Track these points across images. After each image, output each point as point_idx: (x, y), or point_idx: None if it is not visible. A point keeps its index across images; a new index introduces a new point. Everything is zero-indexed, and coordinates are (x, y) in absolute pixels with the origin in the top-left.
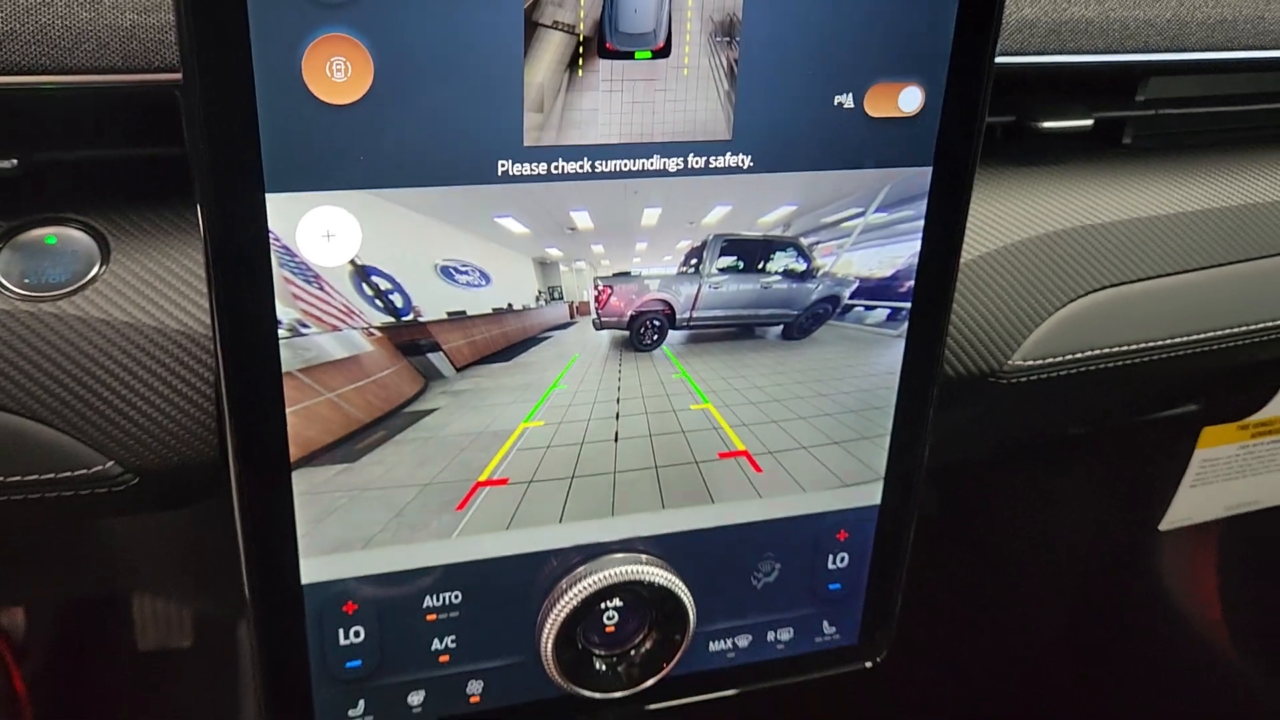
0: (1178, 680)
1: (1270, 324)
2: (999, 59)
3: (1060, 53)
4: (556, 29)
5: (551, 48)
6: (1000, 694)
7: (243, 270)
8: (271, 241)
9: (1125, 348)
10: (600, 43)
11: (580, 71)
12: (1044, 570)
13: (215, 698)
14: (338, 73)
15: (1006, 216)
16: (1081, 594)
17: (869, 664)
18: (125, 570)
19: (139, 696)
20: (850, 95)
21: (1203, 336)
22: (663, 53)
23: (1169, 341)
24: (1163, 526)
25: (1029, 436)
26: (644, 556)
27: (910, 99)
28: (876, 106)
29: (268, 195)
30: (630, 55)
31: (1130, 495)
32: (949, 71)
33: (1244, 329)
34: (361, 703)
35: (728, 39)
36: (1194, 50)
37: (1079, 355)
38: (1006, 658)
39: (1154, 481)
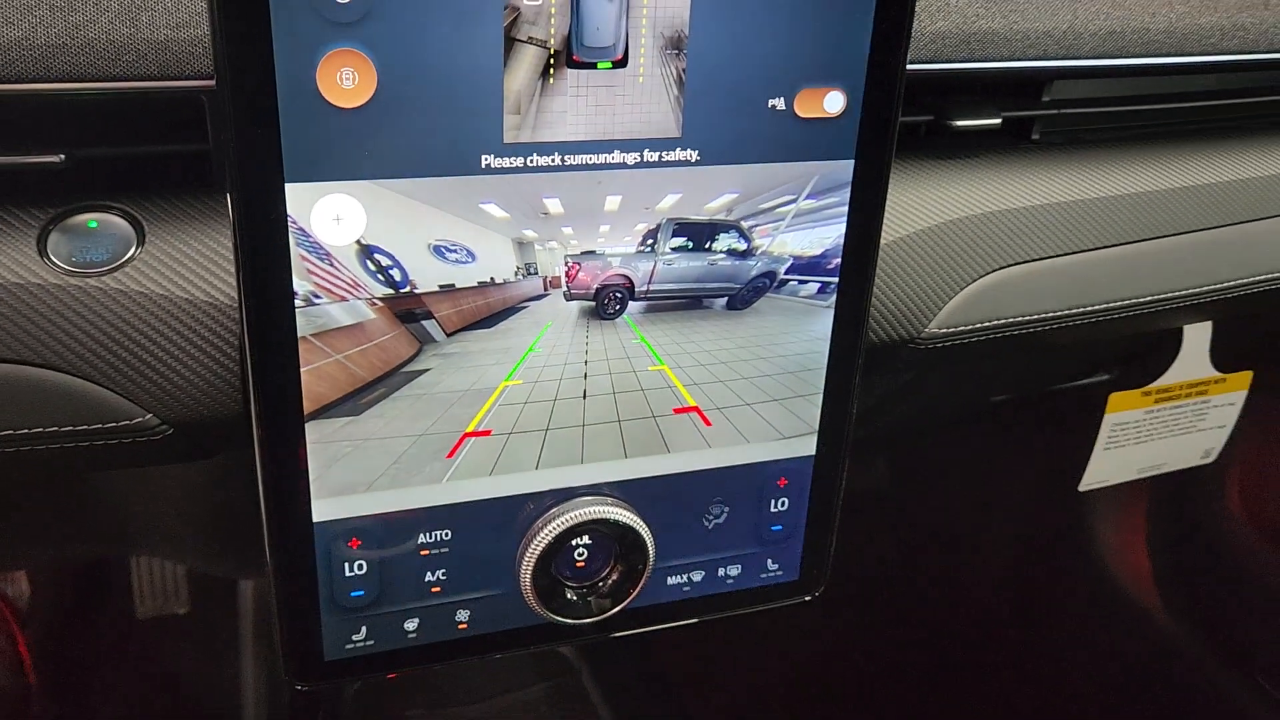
0: (1103, 629)
1: (1156, 297)
2: (916, 66)
3: (970, 60)
4: (531, 44)
5: (527, 60)
6: (938, 634)
7: (265, 248)
8: (290, 224)
9: (1027, 317)
10: (568, 55)
11: (551, 80)
12: (979, 526)
13: (215, 659)
14: (347, 81)
15: (924, 203)
16: (1012, 546)
17: (808, 598)
18: (134, 530)
19: (141, 658)
20: (782, 99)
21: (1096, 308)
22: (621, 64)
23: (1066, 312)
24: (1081, 488)
25: (957, 403)
26: (609, 499)
27: (834, 102)
28: (805, 108)
29: (287, 185)
30: (594, 66)
31: (1054, 458)
32: (866, 78)
33: (1132, 301)
34: (364, 629)
35: (676, 52)
36: (1087, 57)
37: (987, 324)
38: (945, 603)
39: (1075, 446)
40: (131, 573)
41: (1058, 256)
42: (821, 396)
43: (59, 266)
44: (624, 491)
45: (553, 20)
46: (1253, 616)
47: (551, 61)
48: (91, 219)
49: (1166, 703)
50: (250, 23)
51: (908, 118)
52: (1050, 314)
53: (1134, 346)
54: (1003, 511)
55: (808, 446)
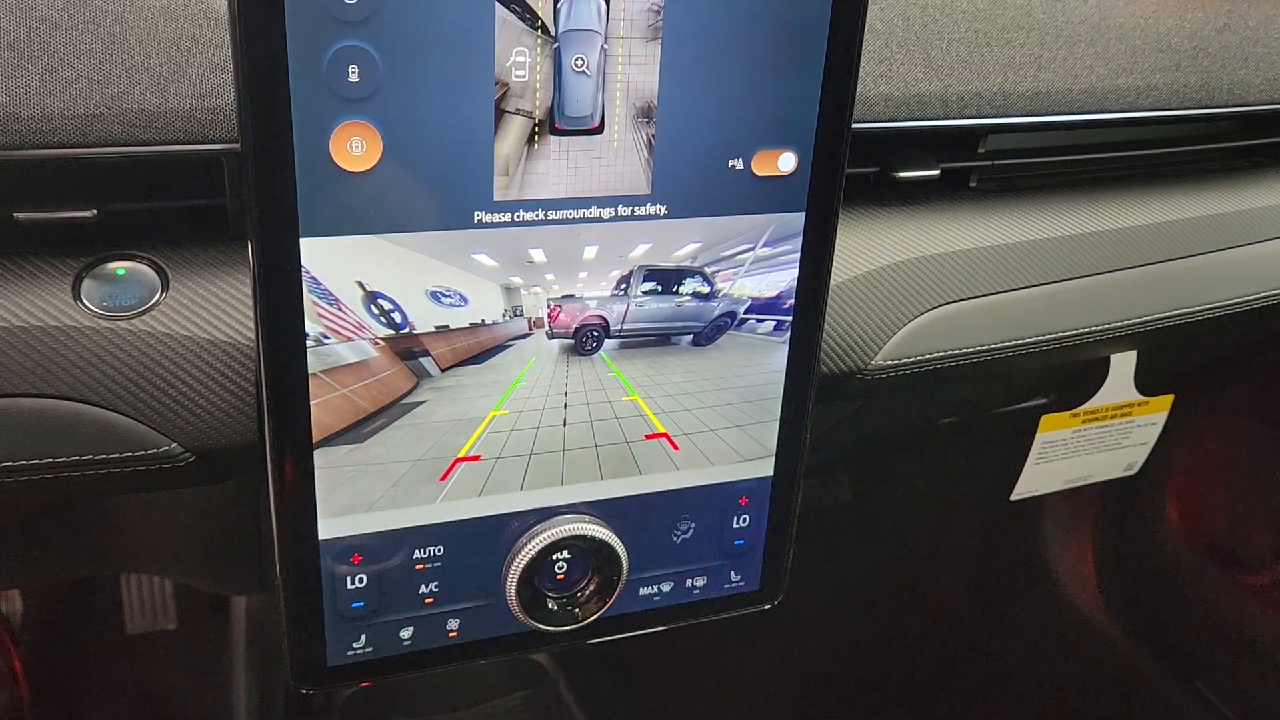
0: (1049, 632)
1: (1083, 330)
2: (861, 125)
3: (910, 120)
4: (518, 114)
5: (514, 128)
6: (892, 640)
7: (281, 296)
8: (303, 273)
9: (965, 350)
10: (551, 124)
11: (536, 145)
12: (930, 536)
13: (207, 673)
14: (356, 149)
15: (871, 247)
16: (957, 547)
17: (768, 606)
18: (130, 549)
19: (133, 674)
20: (741, 159)
21: (1027, 341)
22: (598, 130)
23: (1000, 345)
24: (1013, 497)
25: (905, 426)
26: (587, 517)
27: (787, 161)
28: (761, 167)
29: (301, 239)
30: (574, 133)
31: (991, 472)
32: (815, 141)
33: (1061, 334)
34: (363, 637)
35: (646, 120)
36: (1017, 116)
37: (928, 356)
38: (898, 611)
39: (1009, 461)
40: (124, 589)
41: (993, 294)
42: (778, 423)
43: (91, 310)
44: (600, 510)
45: (537, 94)
46: (1192, 622)
47: (536, 130)
48: (120, 267)
49: (1110, 705)
50: (273, 99)
51: (855, 169)
52: (986, 347)
53: (1067, 374)
54: (950, 522)
55: (766, 468)
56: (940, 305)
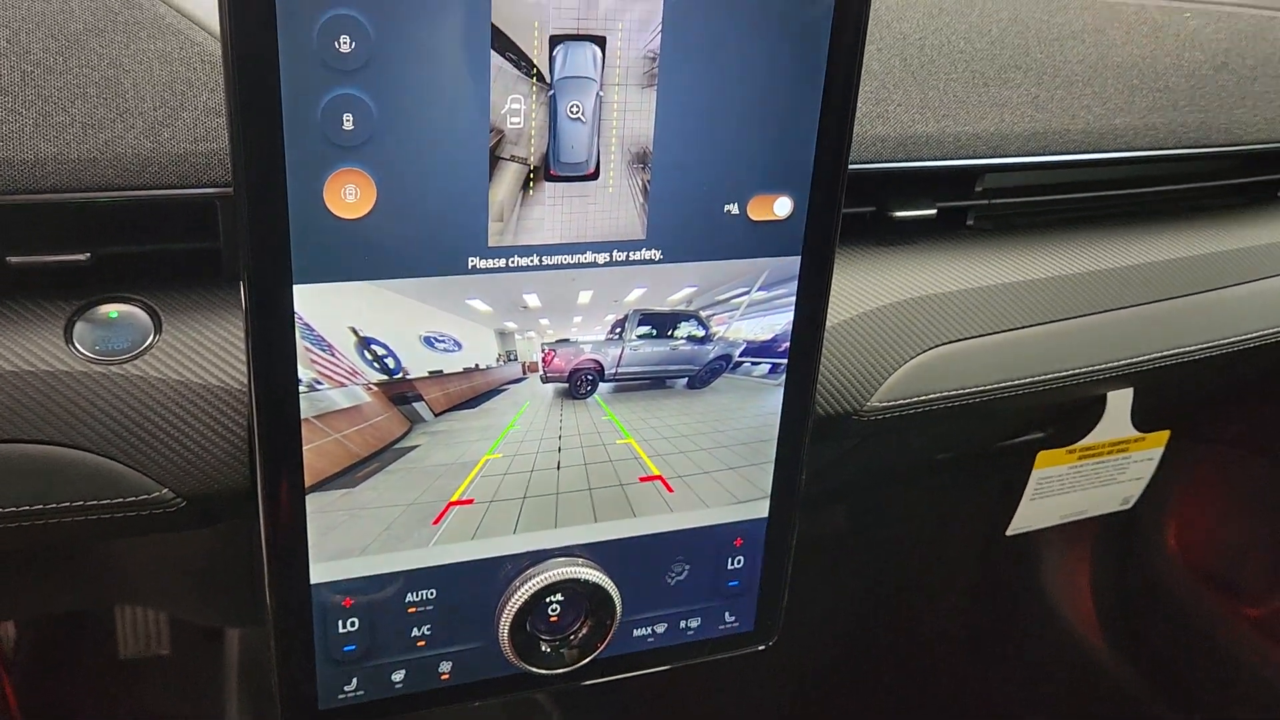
0: (1048, 663)
1: (1079, 370)
2: (858, 166)
3: (907, 160)
4: (513, 161)
5: (509, 174)
6: (891, 673)
7: (274, 342)
8: (296, 319)
9: (960, 391)
10: (545, 170)
11: (531, 191)
12: (927, 570)
13: (201, 703)
14: (350, 196)
15: (867, 287)
16: (953, 577)
17: (763, 647)
18: (124, 582)
19: (126, 701)
20: (736, 204)
21: (1023, 381)
22: (593, 177)
23: (996, 386)
24: (1009, 533)
25: (903, 462)
26: (580, 560)
27: (783, 206)
28: (757, 212)
29: (295, 286)
30: (569, 179)
31: (987, 505)
32: (811, 187)
33: (1057, 375)
34: (354, 680)
35: (642, 166)
36: (1014, 156)
37: (923, 397)
38: (898, 643)
39: (1005, 494)
40: (118, 615)
41: (989, 335)
42: (773, 465)
43: (84, 354)
44: (594, 553)
45: (533, 141)
46: (1192, 654)
47: (531, 176)
48: (113, 310)
49: None
50: (267, 146)
51: (851, 209)
52: (982, 388)
53: (1063, 409)
54: (946, 552)
55: (761, 510)
56: (936, 346)
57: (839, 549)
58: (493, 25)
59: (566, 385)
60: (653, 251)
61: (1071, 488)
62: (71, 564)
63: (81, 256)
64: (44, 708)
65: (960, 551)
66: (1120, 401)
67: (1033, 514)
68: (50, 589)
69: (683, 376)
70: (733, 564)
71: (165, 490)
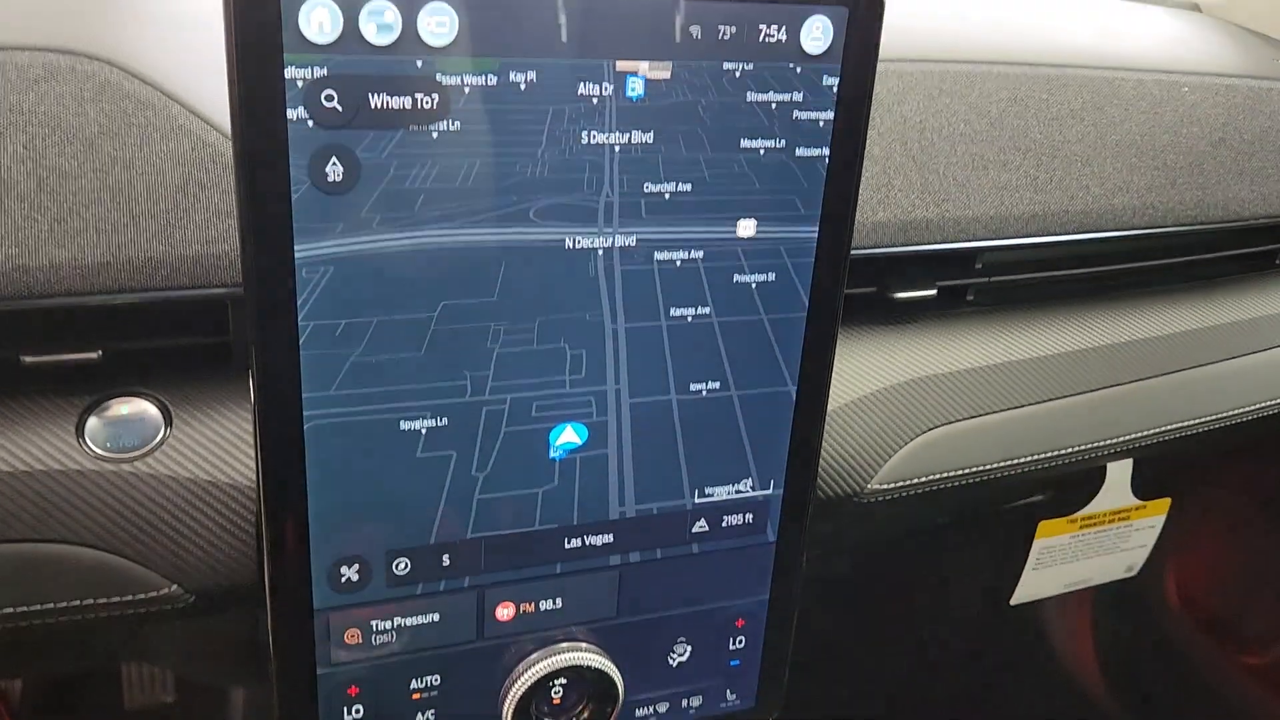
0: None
1: (1080, 447)
2: (860, 251)
3: (907, 244)
4: None
5: None
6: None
7: (283, 451)
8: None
9: (962, 471)
10: None
11: None
12: (927, 622)
13: None
14: None
15: (868, 369)
16: (955, 636)
17: None
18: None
19: None
20: None
21: (1024, 460)
22: None
23: (998, 465)
24: (1013, 602)
25: (903, 530)
26: (583, 645)
27: None
28: None
29: (304, 394)
30: None
31: (989, 567)
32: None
33: (1059, 452)
34: None
35: None
36: (1013, 237)
37: (925, 479)
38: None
39: (1006, 557)
40: (123, 670)
41: (990, 414)
42: (774, 550)
43: (95, 452)
44: (597, 636)
45: None
46: (1195, 704)
47: None
48: (124, 405)
49: None
50: (278, 246)
51: (852, 290)
52: (983, 467)
53: (1062, 476)
54: (949, 614)
55: (763, 591)
56: (937, 426)
57: (838, 618)
58: None
59: None
60: None
61: (1074, 557)
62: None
63: (94, 355)
64: None
65: (961, 607)
66: (1120, 471)
67: (1036, 583)
68: (55, 652)
69: None
70: (734, 644)
71: (175, 587)
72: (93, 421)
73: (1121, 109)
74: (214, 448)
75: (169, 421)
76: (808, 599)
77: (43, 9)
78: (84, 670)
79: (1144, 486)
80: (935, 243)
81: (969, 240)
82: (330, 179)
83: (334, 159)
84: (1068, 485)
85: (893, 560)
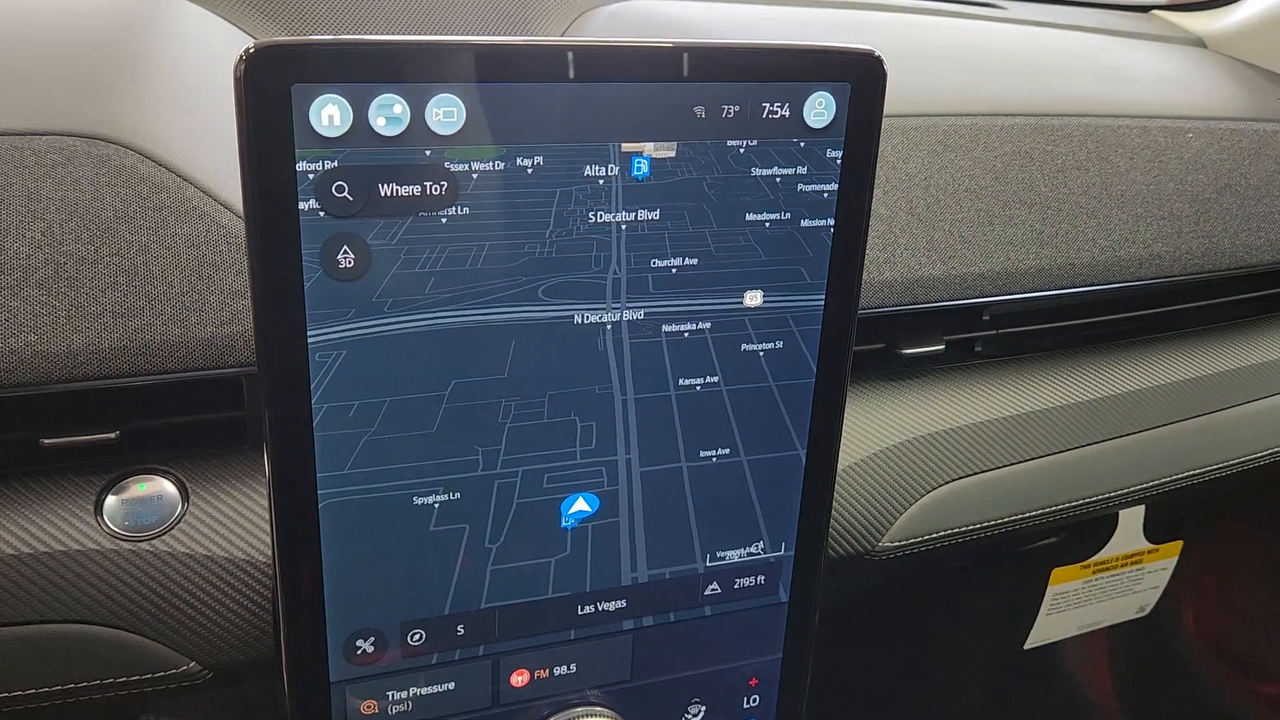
0: None
1: (1092, 498)
2: (867, 310)
3: (914, 303)
4: None
5: None
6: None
7: (296, 528)
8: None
9: (974, 526)
10: None
11: None
12: (938, 680)
13: None
14: None
15: (877, 426)
16: (968, 657)
17: None
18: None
19: None
20: None
21: (1037, 513)
22: None
23: (1010, 519)
24: (1026, 646)
25: (914, 578)
26: (598, 707)
27: None
28: None
29: (319, 474)
30: None
31: (1003, 617)
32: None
33: (1071, 504)
34: None
35: None
36: (1020, 292)
37: (937, 535)
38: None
39: (1023, 604)
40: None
41: (1001, 468)
42: (785, 612)
43: (113, 531)
44: (611, 699)
45: None
46: None
47: None
48: (141, 482)
49: None
50: (289, 328)
51: (860, 347)
52: (995, 521)
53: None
54: (960, 662)
55: (776, 650)
56: (948, 482)
57: (859, 657)
58: None
59: None
60: None
61: (1087, 601)
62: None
63: (111, 435)
64: None
65: (976, 650)
66: (1132, 517)
67: (1050, 628)
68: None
69: None
70: (749, 702)
71: (192, 664)
72: (111, 500)
73: (1127, 158)
74: (231, 524)
75: (186, 498)
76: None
77: (57, 91)
78: None
79: (1156, 529)
80: (942, 300)
81: (976, 296)
82: (342, 266)
83: (345, 247)
84: (1080, 531)
85: (905, 604)
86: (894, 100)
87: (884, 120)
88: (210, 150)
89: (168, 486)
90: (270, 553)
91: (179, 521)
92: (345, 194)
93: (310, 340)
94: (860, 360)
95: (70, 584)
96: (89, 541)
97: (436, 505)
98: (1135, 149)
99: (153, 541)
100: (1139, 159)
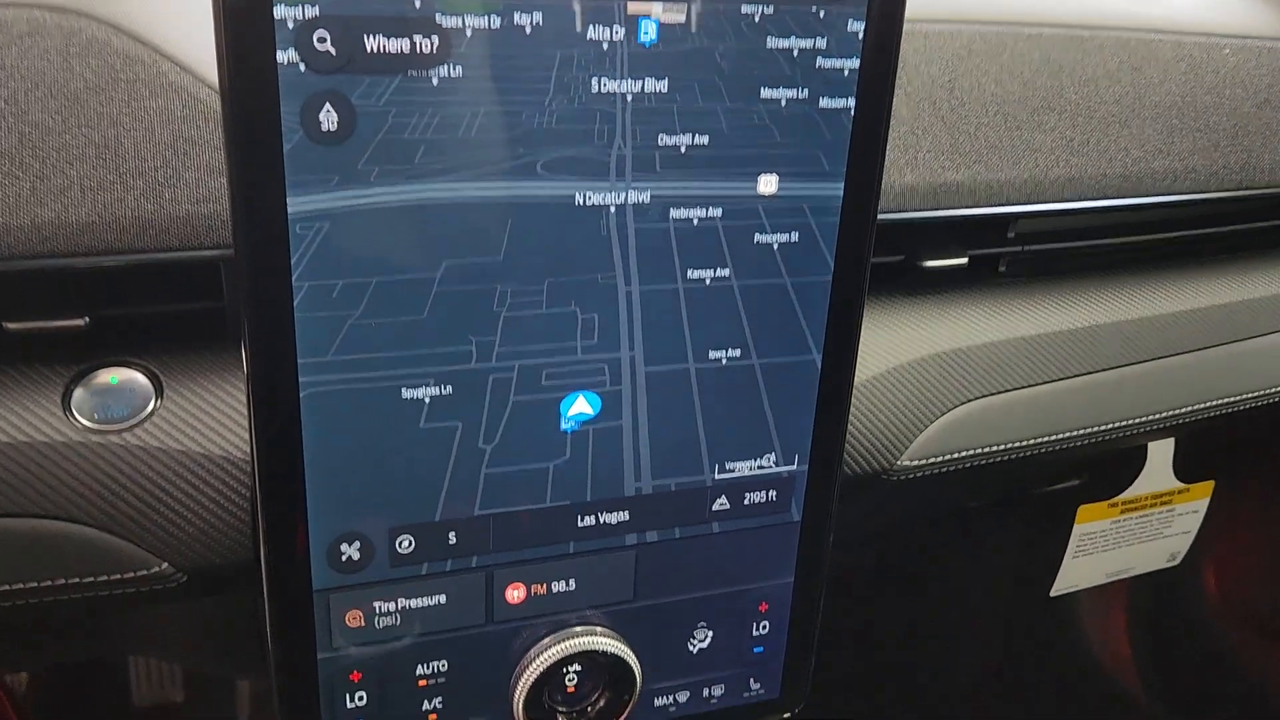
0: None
1: (1120, 424)
2: (887, 216)
3: (937, 209)
4: None
5: None
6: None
7: (277, 418)
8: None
9: (996, 448)
10: None
11: None
12: (958, 628)
13: None
14: None
15: (896, 341)
16: (983, 620)
17: (788, 715)
18: (133, 636)
19: None
20: None
21: (1061, 436)
22: None
23: (1033, 441)
24: (1053, 593)
25: (934, 511)
26: (598, 629)
27: None
28: None
29: (299, 360)
30: None
31: (1027, 562)
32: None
33: (1097, 429)
34: None
35: None
36: (1048, 202)
37: (957, 455)
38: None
39: (1047, 549)
40: (131, 666)
41: (1025, 388)
42: (799, 528)
43: (82, 424)
44: (613, 620)
45: None
46: (1227, 696)
47: None
48: (113, 375)
49: None
50: (268, 202)
51: (880, 259)
52: (1018, 443)
53: (1101, 456)
54: (980, 604)
55: (787, 573)
56: (969, 400)
57: (861, 603)
58: None
59: None
60: None
61: (1115, 544)
62: (77, 624)
63: (80, 321)
64: None
65: (992, 595)
66: (1162, 452)
67: (1076, 572)
68: (56, 644)
69: None
70: (758, 629)
71: (165, 565)
72: (79, 392)
73: (1159, 70)
74: (207, 419)
75: (160, 392)
76: (832, 579)
77: None
78: (89, 662)
79: (1187, 468)
80: (966, 207)
81: (1002, 205)
82: (324, 128)
83: (328, 106)
84: (1107, 468)
85: (925, 548)
86: (912, 8)
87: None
88: (191, 26)
89: (140, 379)
90: (249, 447)
91: (152, 415)
92: (328, 46)
93: (290, 210)
94: (879, 273)
95: (34, 476)
96: (55, 433)
97: (427, 400)
98: (1169, 61)
99: (123, 434)
100: (1173, 72)
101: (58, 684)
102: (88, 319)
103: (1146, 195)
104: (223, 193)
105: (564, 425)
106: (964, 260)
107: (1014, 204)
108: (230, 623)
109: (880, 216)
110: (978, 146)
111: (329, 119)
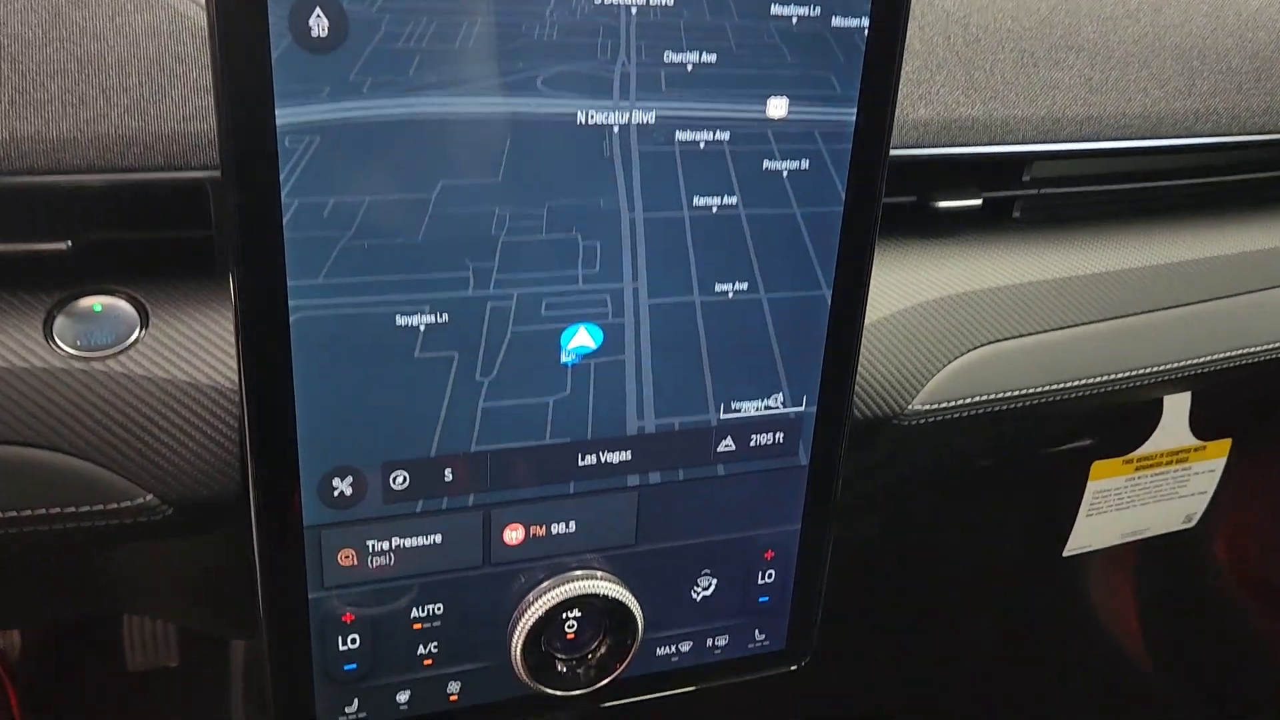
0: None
1: (1135, 372)
2: (900, 152)
3: (950, 145)
4: None
5: None
6: (929, 691)
7: (266, 343)
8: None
9: (1008, 393)
10: None
11: None
12: (967, 589)
13: (208, 712)
14: None
15: (907, 283)
16: (1002, 606)
17: (794, 667)
18: (125, 593)
19: (133, 713)
20: None
21: (1075, 384)
22: None
23: (1046, 388)
24: (1066, 553)
25: (945, 467)
26: (599, 573)
27: None
28: None
29: (289, 282)
30: None
31: (1040, 523)
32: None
33: (1112, 377)
34: (356, 701)
35: None
36: (1065, 141)
37: (968, 400)
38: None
39: (1059, 510)
40: (125, 625)
41: (1038, 334)
42: (806, 473)
43: (64, 350)
44: (614, 565)
45: None
46: (1242, 666)
47: None
48: (97, 302)
49: None
50: (257, 130)
51: (891, 199)
52: (1031, 390)
53: (1115, 413)
54: (989, 567)
55: (794, 520)
56: (982, 345)
57: (870, 562)
58: None
59: None
60: None
61: (1130, 502)
62: (67, 571)
63: (62, 245)
64: (49, 718)
65: (1002, 562)
66: (1178, 407)
67: (1090, 531)
68: (46, 596)
69: None
70: (763, 578)
71: (150, 497)
72: (61, 319)
73: (1180, 10)
74: (194, 346)
75: (145, 321)
76: (841, 539)
77: None
78: (81, 624)
79: (1202, 426)
80: (982, 144)
81: (1018, 143)
82: (314, 34)
83: (318, 11)
84: (1120, 428)
85: (931, 507)
86: None
87: None
88: None
89: (125, 307)
90: (237, 375)
91: (136, 343)
92: None
93: (279, 121)
94: (891, 213)
95: (14, 403)
96: (36, 359)
97: (422, 328)
98: (1190, 2)
99: (106, 361)
100: (1194, 12)
101: (53, 649)
102: (70, 243)
103: (1166, 137)
104: (210, 111)
105: (564, 358)
106: (978, 201)
107: (1030, 142)
108: (224, 576)
109: (892, 153)
110: (994, 82)
111: (319, 25)
